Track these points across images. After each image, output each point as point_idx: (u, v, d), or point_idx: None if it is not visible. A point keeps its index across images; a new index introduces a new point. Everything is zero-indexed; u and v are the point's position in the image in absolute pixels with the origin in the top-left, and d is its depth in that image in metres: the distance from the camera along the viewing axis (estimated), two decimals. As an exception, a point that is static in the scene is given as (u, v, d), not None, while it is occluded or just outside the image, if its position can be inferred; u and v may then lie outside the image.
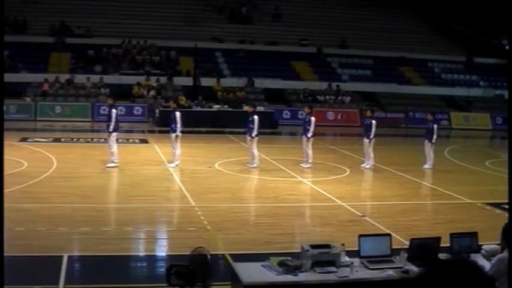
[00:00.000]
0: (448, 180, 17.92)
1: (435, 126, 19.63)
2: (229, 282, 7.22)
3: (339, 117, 34.24)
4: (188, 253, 6.18)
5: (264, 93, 35.48)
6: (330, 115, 34.06)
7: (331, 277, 6.76)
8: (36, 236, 10.58)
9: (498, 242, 6.69)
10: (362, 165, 19.41)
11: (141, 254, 10.56)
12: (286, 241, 10.88)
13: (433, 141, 19.45)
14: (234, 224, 12.12)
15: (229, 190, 15.35)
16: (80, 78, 33.54)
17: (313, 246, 7.02)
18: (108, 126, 17.78)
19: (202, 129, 28.89)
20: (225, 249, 10.18)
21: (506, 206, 13.33)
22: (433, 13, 46.67)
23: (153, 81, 34.02)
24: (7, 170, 15.02)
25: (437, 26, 45.70)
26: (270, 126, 28.79)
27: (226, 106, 31.10)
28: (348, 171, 18.69)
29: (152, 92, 33.22)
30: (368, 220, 12.65)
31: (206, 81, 34.26)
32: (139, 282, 9.00)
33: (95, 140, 23.85)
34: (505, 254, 6.18)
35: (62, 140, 23.68)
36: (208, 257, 7.04)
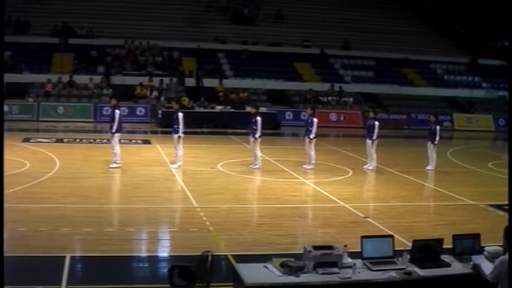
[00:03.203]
0: (450, 182, 17.90)
1: (438, 127, 19.61)
2: (231, 283, 7.21)
3: (342, 119, 34.25)
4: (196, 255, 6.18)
5: (267, 94, 35.51)
6: (333, 116, 34.07)
7: (334, 278, 6.74)
8: (39, 236, 10.58)
9: (501, 244, 6.69)
10: (364, 166, 19.41)
11: (143, 254, 10.55)
12: (288, 242, 10.87)
13: (436, 142, 19.43)
14: (236, 225, 12.11)
15: (231, 191, 15.34)
16: (83, 79, 33.60)
17: (316, 248, 7.01)
18: (111, 127, 17.74)
19: (205, 130, 28.91)
20: (227, 250, 10.17)
21: (508, 208, 13.33)
22: (436, 14, 46.64)
23: (156, 82, 34.02)
24: (9, 171, 15.07)
25: (439, 27, 45.68)
26: (273, 127, 28.82)
27: (228, 107, 31.11)
28: (351, 172, 18.68)
29: (155, 93, 33.23)
30: (370, 221, 12.64)
31: (209, 82, 34.28)
32: (141, 283, 8.99)
33: (97, 140, 23.87)
34: (508, 256, 6.18)
35: (65, 140, 23.69)
36: (209, 258, 7.05)
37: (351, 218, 12.97)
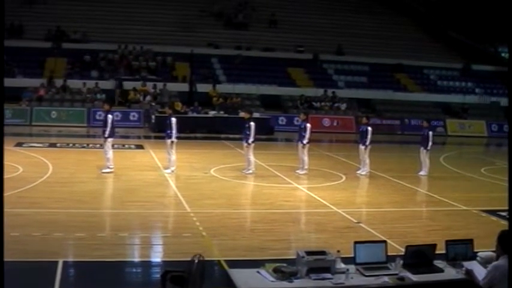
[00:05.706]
0: (443, 187, 17.92)
1: (431, 133, 19.65)
2: (224, 289, 7.20)
3: (335, 124, 34.30)
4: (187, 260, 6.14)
5: (260, 100, 35.53)
6: (326, 122, 34.12)
7: (327, 284, 6.73)
8: (31, 241, 10.53)
9: (493, 249, 6.70)
10: (358, 171, 19.42)
11: (136, 259, 10.51)
12: (281, 247, 10.85)
13: (429, 148, 19.46)
14: (229, 230, 12.09)
15: (224, 196, 15.32)
16: (76, 84, 33.55)
17: (309, 253, 7.00)
18: (104, 132, 17.74)
19: (198, 135, 28.89)
20: (220, 255, 10.15)
21: (502, 213, 13.38)
22: (430, 20, 46.81)
23: (149, 86, 34.01)
24: (2, 175, 14.99)
25: (433, 33, 45.83)
26: (266, 133, 28.83)
27: (222, 112, 31.10)
28: (344, 177, 18.68)
29: (148, 98, 33.20)
30: (363, 227, 12.63)
31: (202, 87, 34.26)
32: (134, 288, 8.98)
33: (90, 145, 23.81)
34: (501, 261, 6.19)
35: (58, 145, 23.64)
36: (195, 261, 7.03)
37: (344, 223, 12.96)
